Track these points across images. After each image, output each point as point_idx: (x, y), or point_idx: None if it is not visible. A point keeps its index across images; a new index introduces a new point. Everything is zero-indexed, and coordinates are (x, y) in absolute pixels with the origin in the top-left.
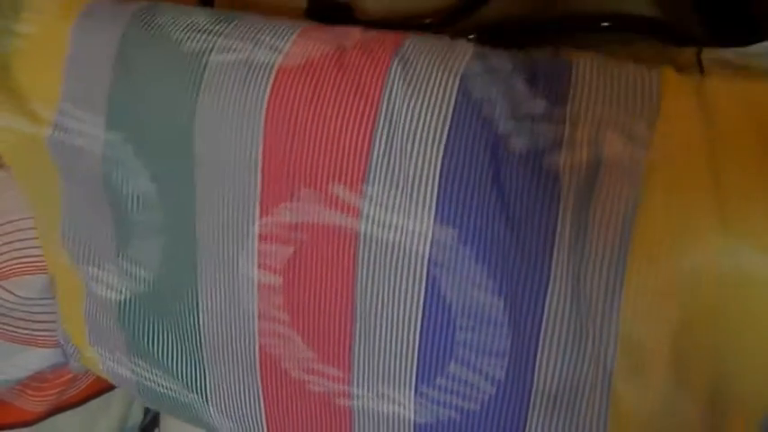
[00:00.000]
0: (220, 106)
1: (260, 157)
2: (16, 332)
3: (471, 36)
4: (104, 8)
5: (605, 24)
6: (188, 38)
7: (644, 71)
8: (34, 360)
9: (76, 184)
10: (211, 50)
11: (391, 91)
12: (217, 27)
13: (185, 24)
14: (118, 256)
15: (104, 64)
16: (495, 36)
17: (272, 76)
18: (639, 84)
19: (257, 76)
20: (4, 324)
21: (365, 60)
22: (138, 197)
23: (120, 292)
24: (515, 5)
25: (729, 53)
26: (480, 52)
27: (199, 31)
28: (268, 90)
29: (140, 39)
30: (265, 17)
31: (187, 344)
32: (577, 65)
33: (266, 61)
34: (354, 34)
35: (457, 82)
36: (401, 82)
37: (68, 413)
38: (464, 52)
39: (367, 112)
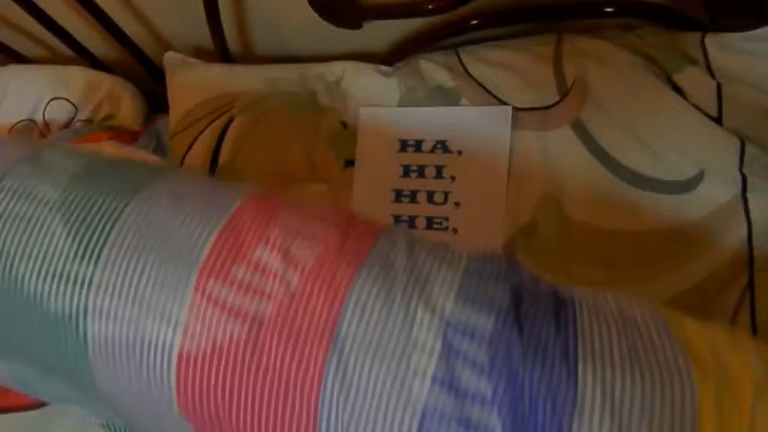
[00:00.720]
0: (122, 386)
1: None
2: None
3: (475, 21)
4: None
5: (609, 10)
6: (50, 290)
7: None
8: None
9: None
10: (86, 313)
11: (329, 419)
12: (83, 267)
13: (41, 259)
14: (83, 407)
15: None
16: (498, 22)
17: (174, 364)
18: None
19: (156, 362)
20: None
21: (290, 361)
22: (68, 398)
23: (101, 422)
24: None
25: (733, 38)
26: (447, 357)
27: (61, 278)
28: (173, 381)
29: None
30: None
31: None
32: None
33: (161, 340)
34: (271, 286)
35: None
36: (340, 408)
37: None
38: (427, 356)
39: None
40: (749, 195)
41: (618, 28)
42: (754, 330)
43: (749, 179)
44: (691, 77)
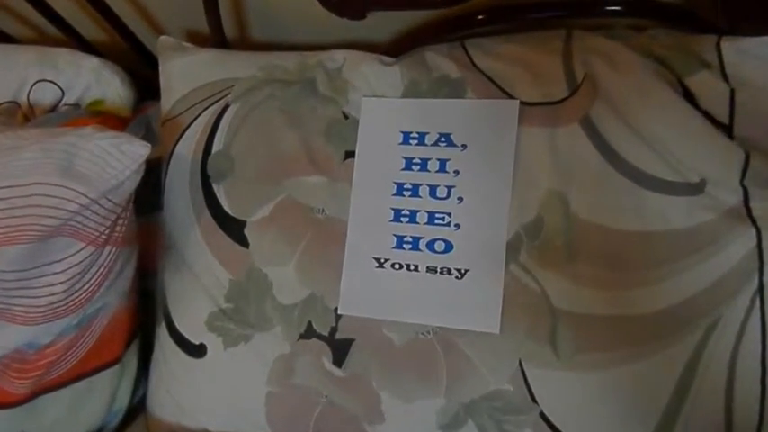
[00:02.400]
0: None
1: None
2: None
3: (480, 17)
4: None
5: (615, 8)
6: None
7: None
8: (12, 336)
9: None
10: None
11: None
12: None
13: None
14: None
15: None
16: (504, 18)
17: None
18: None
19: None
20: None
21: None
22: None
23: None
24: None
25: (751, 42)
26: None
27: None
28: None
29: None
30: None
31: None
32: None
33: None
34: None
35: None
36: None
37: (53, 395)
38: None
39: None
40: (752, 205)
41: (630, 29)
42: (764, 335)
43: (750, 191)
44: (703, 82)
